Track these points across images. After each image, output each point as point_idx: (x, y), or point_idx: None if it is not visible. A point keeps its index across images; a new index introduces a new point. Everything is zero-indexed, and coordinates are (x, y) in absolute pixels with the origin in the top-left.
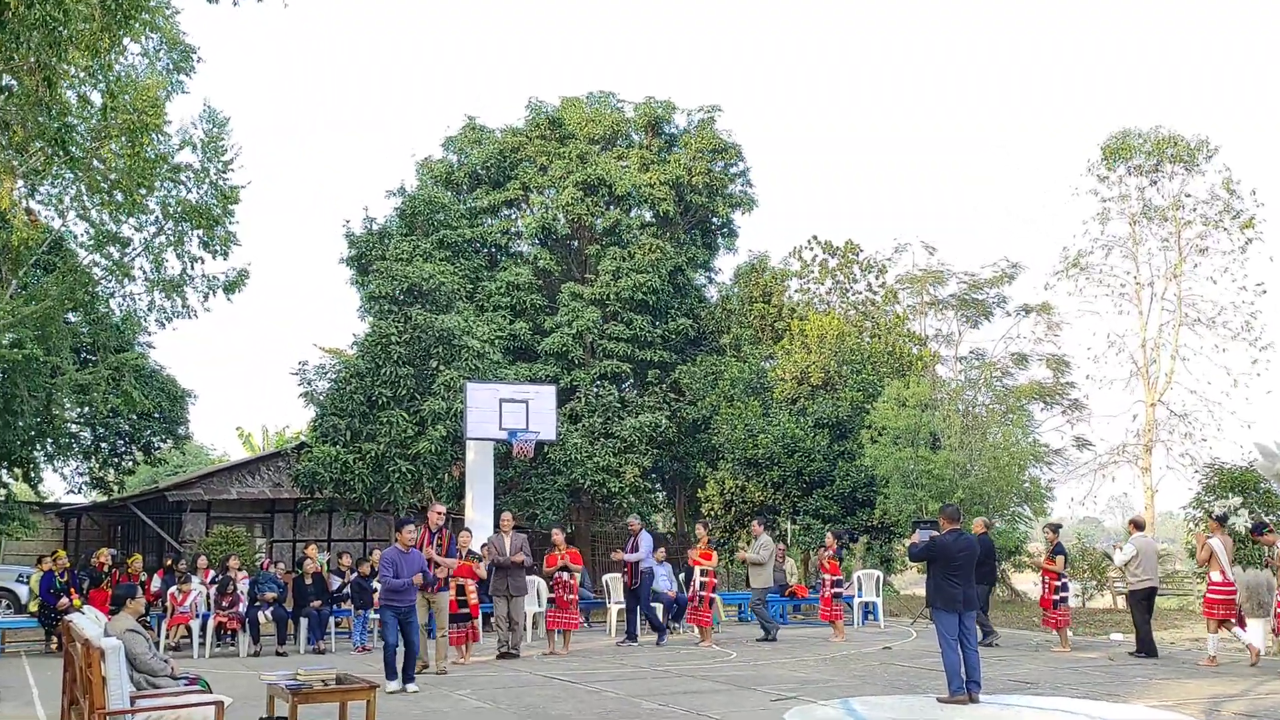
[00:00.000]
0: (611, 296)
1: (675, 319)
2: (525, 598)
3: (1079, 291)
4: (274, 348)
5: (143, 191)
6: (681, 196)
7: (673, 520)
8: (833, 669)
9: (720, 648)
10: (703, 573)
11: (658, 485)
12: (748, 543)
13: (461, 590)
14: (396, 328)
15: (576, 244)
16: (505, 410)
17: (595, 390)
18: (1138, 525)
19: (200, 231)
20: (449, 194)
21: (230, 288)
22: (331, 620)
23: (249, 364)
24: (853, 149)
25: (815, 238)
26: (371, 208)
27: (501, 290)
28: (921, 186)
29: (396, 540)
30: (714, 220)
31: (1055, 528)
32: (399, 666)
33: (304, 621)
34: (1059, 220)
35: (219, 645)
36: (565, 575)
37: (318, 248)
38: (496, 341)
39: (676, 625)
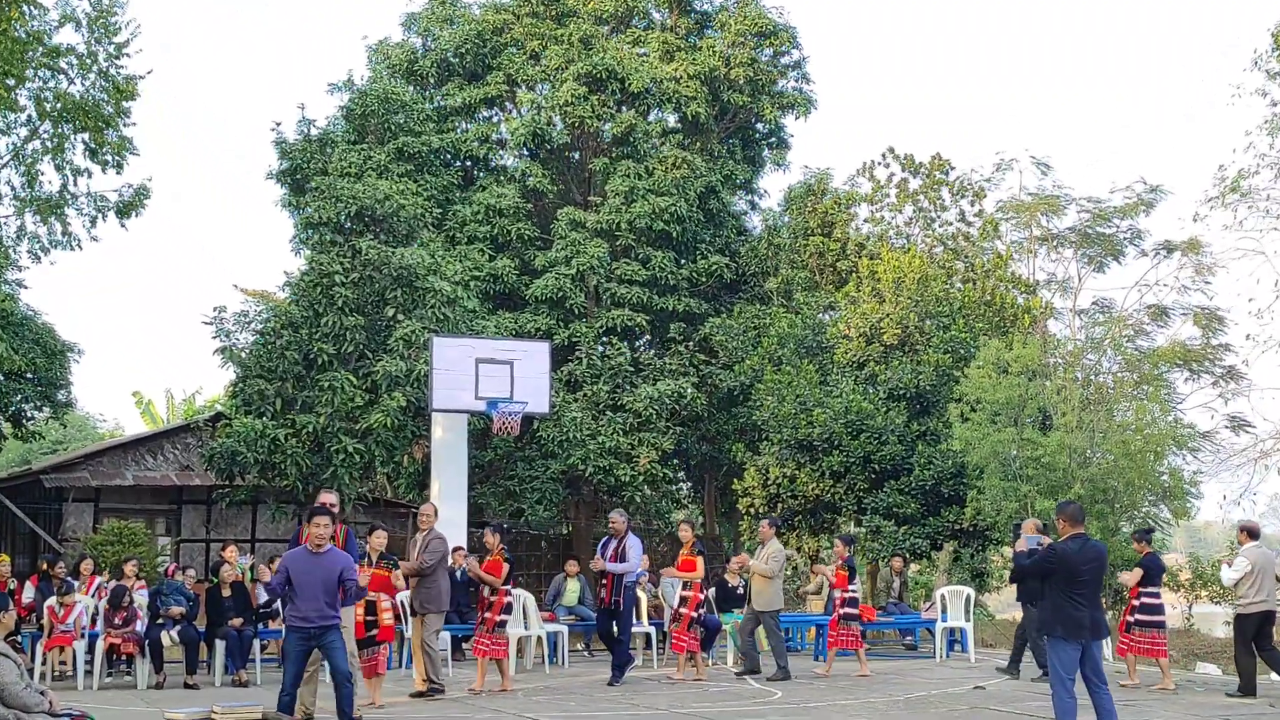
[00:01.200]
0: (623, 225)
1: (706, 256)
2: (438, 616)
3: (1238, 224)
4: (182, 289)
5: (10, 82)
6: (716, 95)
7: (701, 519)
8: (907, 714)
9: (762, 685)
10: (685, 586)
11: (681, 474)
12: (750, 550)
13: (373, 609)
14: (342, 264)
15: (578, 156)
16: (483, 373)
17: (601, 349)
18: (1251, 534)
19: (86, 135)
20: (411, 89)
21: (125, 210)
22: (256, 644)
23: (149, 310)
24: (941, 34)
25: (891, 150)
26: (310, 106)
27: (479, 216)
28: (1032, 85)
29: (306, 536)
30: (759, 126)
31: (1143, 534)
32: (302, 713)
33: (220, 645)
34: (1214, 131)
35: (111, 674)
36: (486, 591)
37: (239, 159)
38: (472, 284)
39: (706, 655)
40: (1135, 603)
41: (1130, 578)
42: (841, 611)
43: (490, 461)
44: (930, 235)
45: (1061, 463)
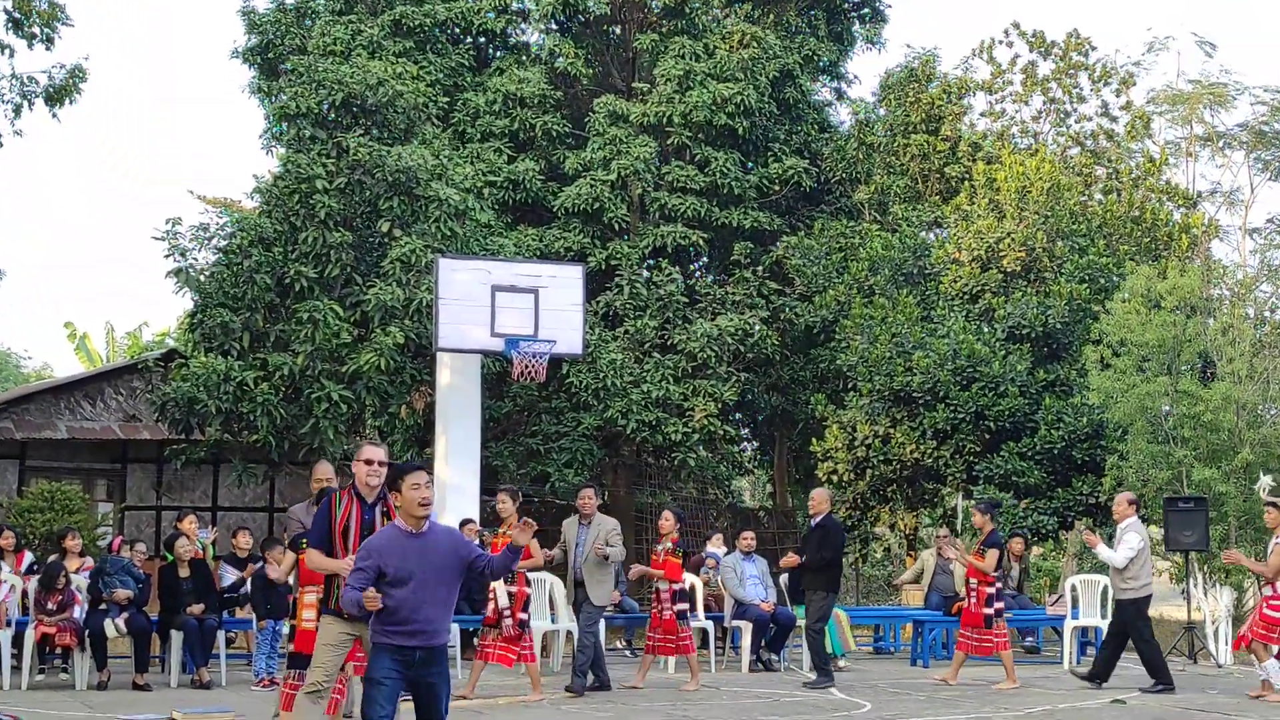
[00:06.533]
0: (675, 119)
1: (781, 159)
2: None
3: None
4: (126, 196)
5: None
6: None
7: (769, 488)
8: None
9: (846, 695)
10: (509, 580)
11: (746, 432)
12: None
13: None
14: (325, 166)
15: (619, 31)
16: (500, 304)
17: (647, 275)
18: (1138, 507)
19: (8, 2)
20: None
21: (56, 96)
22: (221, 636)
23: (86, 223)
24: None
25: (1016, 25)
26: None
27: (495, 107)
28: None
29: (396, 505)
30: None
31: (990, 506)
32: None
33: (176, 637)
34: None
35: (44, 670)
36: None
37: (198, 34)
38: (486, 191)
39: (776, 658)
40: (990, 590)
41: (989, 562)
42: (676, 609)
43: (508, 414)
44: (1064, 134)
45: (1227, 421)
